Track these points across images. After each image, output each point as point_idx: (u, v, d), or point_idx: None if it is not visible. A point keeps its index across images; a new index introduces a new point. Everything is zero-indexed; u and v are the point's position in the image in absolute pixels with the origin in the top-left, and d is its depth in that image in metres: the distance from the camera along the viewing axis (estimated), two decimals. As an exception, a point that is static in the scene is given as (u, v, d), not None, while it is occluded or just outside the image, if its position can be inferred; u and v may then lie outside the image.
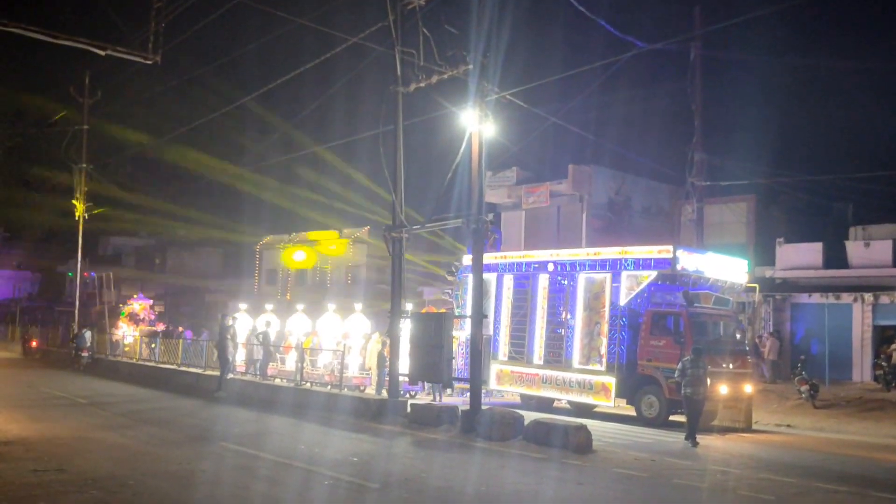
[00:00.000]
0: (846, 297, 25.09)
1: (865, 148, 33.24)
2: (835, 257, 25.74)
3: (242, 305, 25.82)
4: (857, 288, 24.93)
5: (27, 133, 38.59)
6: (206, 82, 34.04)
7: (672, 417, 16.84)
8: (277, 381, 21.75)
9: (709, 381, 14.87)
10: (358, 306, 22.64)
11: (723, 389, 15.86)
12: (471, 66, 15.59)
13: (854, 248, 25.58)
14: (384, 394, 18.41)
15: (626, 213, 30.50)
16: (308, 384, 20.55)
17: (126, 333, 32.50)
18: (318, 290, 35.66)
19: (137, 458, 11.28)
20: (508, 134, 21.67)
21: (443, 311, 21.97)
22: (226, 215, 45.11)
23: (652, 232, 28.74)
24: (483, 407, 15.14)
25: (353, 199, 33.74)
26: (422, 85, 16.78)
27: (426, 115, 18.82)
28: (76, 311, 35.13)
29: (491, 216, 16.48)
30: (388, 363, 18.04)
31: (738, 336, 18.35)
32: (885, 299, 24.55)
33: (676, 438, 15.08)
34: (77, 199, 33.60)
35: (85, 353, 31.30)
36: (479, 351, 15.81)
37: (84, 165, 33.33)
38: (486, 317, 18.11)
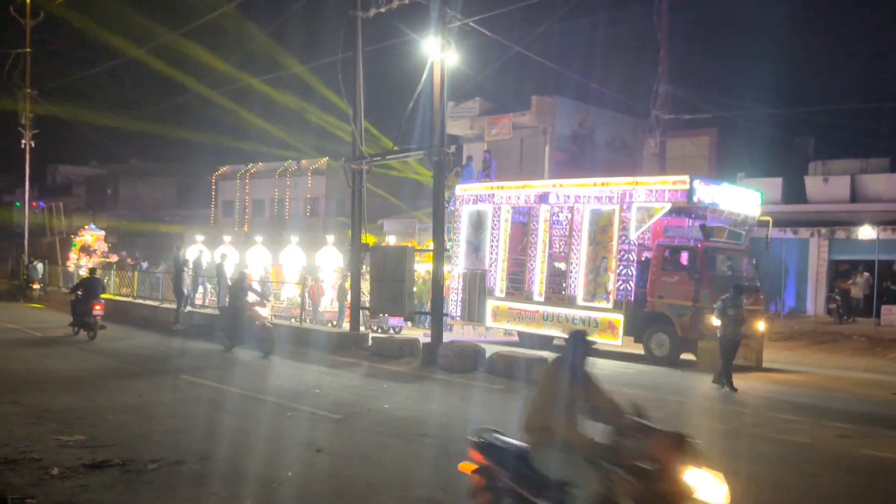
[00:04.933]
0: (804, 232, 25.45)
1: (829, 81, 33.31)
2: (794, 192, 25.92)
3: (199, 237, 25.30)
4: (815, 223, 25.25)
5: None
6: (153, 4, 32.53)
7: (683, 356, 16.26)
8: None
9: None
10: (330, 239, 22.31)
11: None
12: (433, -10, 15.06)
13: (813, 184, 25.78)
14: (345, 327, 18.31)
15: (590, 145, 30.25)
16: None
17: (79, 265, 31.75)
18: (277, 222, 35.13)
19: (95, 391, 11.01)
20: (471, 63, 21.09)
21: (404, 244, 21.79)
22: (181, 145, 43.86)
23: (615, 165, 28.60)
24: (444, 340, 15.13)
25: (312, 129, 32.94)
26: (382, 10, 16.20)
27: (388, 41, 18.23)
28: (25, 243, 34.18)
29: (454, 148, 16.12)
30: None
31: (750, 272, 17.47)
32: (841, 234, 24.96)
33: (671, 372, 14.99)
34: (23, 126, 32.37)
35: (37, 286, 30.61)
36: (440, 284, 15.73)
37: (28, 91, 32.01)
38: (447, 250, 17.80)
